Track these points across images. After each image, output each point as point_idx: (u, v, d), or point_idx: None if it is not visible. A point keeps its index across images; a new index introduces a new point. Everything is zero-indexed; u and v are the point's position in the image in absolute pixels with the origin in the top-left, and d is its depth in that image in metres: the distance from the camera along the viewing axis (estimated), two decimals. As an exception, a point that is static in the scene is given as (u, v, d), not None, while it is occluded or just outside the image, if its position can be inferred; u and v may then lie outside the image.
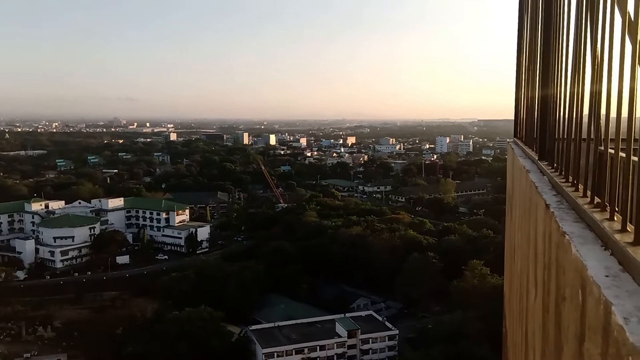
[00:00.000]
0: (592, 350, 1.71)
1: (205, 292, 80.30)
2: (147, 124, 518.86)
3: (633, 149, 2.15)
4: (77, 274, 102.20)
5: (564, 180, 3.69)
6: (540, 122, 5.48)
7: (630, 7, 2.40)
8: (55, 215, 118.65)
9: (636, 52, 2.60)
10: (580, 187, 3.18)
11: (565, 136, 3.80)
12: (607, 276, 1.74)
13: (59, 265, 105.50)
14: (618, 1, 2.75)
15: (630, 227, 2.07)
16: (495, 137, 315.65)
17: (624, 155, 2.27)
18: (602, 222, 2.27)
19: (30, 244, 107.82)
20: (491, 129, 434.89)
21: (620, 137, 2.34)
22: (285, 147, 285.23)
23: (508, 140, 11.68)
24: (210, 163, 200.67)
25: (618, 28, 2.64)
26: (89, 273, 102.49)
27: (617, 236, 2.01)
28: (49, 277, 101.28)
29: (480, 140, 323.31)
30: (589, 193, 2.91)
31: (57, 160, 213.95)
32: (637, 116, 2.22)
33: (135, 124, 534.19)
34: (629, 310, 1.49)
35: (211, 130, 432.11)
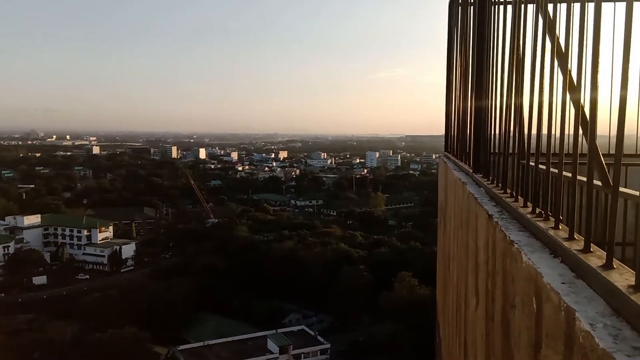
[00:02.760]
0: (551, 357, 1.74)
1: (130, 313, 76.94)
2: (68, 137, 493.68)
3: (578, 163, 2.25)
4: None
5: (501, 191, 3.82)
6: (474, 136, 5.67)
7: (554, 12, 2.53)
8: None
9: (566, 72, 2.74)
10: (520, 198, 3.29)
11: (503, 151, 3.94)
12: (563, 283, 1.78)
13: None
14: (549, 24, 2.89)
15: (577, 236, 2.15)
16: (422, 152, 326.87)
17: (569, 174, 2.37)
18: (548, 231, 2.35)
19: None
20: (418, 144, 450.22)
21: (563, 152, 2.44)
22: (215, 161, 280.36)
23: (438, 154, 12.09)
24: (136, 177, 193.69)
25: (549, 43, 2.77)
26: (3, 295, 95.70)
27: (566, 244, 2.08)
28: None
29: (408, 155, 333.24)
30: (529, 204, 3.01)
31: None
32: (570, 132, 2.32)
33: (55, 136, 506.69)
34: (592, 317, 1.52)
35: (137, 144, 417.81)
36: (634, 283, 1.59)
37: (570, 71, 2.60)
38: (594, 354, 1.39)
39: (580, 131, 2.30)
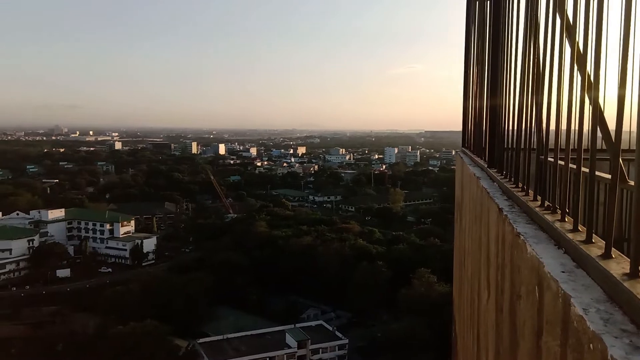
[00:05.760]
0: (550, 343, 1.82)
1: (151, 306, 78.02)
2: (91, 132, 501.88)
3: (583, 158, 2.31)
4: (14, 289, 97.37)
5: (513, 186, 3.87)
6: (489, 132, 5.71)
7: (569, 12, 2.57)
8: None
9: (574, 62, 2.78)
10: (531, 192, 3.35)
11: (515, 146, 3.99)
12: (563, 272, 1.86)
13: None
14: (559, 7, 2.92)
15: (581, 227, 2.22)
16: (441, 147, 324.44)
17: (574, 166, 2.43)
18: (554, 223, 2.42)
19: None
20: (437, 139, 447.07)
21: (570, 147, 2.50)
22: (234, 157, 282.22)
23: (456, 150, 12.08)
24: (157, 173, 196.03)
25: (562, 36, 2.81)
26: (28, 287, 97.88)
27: (570, 235, 2.15)
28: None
29: (427, 151, 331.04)
30: (539, 197, 3.07)
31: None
32: (585, 128, 2.37)
33: (78, 132, 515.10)
34: (587, 302, 1.61)
35: (158, 139, 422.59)
36: (628, 271, 1.67)
37: (578, 46, 2.62)
38: (586, 336, 1.48)
39: (590, 127, 2.35)
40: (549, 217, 2.55)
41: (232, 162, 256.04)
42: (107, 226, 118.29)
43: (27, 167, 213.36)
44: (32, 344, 75.78)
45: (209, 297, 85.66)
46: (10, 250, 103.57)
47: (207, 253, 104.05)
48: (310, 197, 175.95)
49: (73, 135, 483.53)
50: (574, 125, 2.39)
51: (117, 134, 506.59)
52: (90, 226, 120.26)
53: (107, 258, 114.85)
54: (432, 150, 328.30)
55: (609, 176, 2.86)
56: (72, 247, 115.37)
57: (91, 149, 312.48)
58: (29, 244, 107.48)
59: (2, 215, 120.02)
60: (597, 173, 2.26)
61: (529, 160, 3.46)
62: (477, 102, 7.31)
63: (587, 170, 2.29)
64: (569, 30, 2.73)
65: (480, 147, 6.62)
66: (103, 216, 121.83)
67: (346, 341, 76.30)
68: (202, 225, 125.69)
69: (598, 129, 2.24)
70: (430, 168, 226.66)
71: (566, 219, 2.45)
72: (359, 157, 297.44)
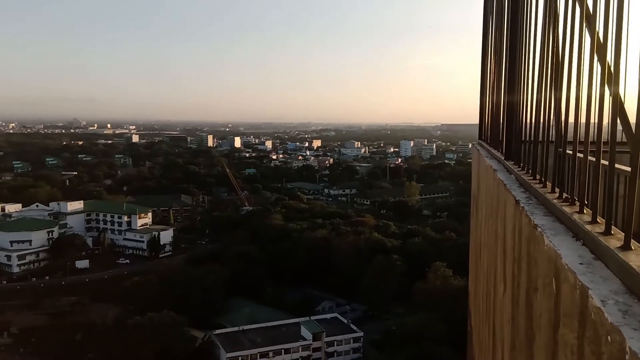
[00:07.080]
0: (567, 335, 1.80)
1: (168, 297, 78.89)
2: (108, 125, 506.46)
3: (602, 151, 2.28)
4: (34, 279, 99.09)
5: (531, 177, 3.83)
6: (506, 124, 5.65)
7: (589, 1, 2.53)
8: (12, 219, 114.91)
9: (594, 53, 2.73)
10: (548, 184, 3.31)
11: (533, 138, 3.94)
12: (581, 264, 1.84)
13: (15, 270, 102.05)
14: (579, 2, 2.88)
15: (600, 219, 2.19)
16: (458, 141, 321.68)
17: (593, 158, 2.39)
18: (572, 215, 2.39)
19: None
20: (454, 133, 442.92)
21: (589, 140, 2.46)
22: (250, 150, 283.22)
23: (472, 142, 11.96)
24: (174, 165, 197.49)
25: (578, 26, 2.76)
26: (47, 278, 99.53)
27: (589, 227, 2.12)
28: (5, 282, 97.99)
29: (443, 144, 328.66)
30: (557, 189, 3.03)
31: (13, 162, 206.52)
32: (605, 120, 2.33)
33: (96, 125, 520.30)
34: (605, 294, 1.58)
35: (175, 132, 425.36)
36: None
37: (599, 36, 2.57)
38: (604, 328, 1.46)
39: (610, 119, 2.32)
40: (567, 209, 2.52)
41: (247, 155, 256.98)
42: (125, 218, 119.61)
43: (47, 159, 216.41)
44: (51, 334, 77.16)
45: (225, 289, 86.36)
46: (30, 241, 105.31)
47: (223, 245, 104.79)
48: (326, 190, 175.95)
49: (91, 128, 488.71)
50: (594, 118, 2.35)
51: (134, 127, 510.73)
52: (108, 218, 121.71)
53: (125, 249, 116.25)
54: (449, 144, 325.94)
55: (628, 169, 2.82)
56: (91, 238, 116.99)
57: (109, 141, 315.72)
58: (48, 236, 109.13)
59: (22, 207, 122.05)
60: (616, 165, 2.22)
61: (547, 153, 3.42)
62: (494, 94, 7.24)
63: (606, 162, 2.26)
64: (589, 19, 2.67)
65: (497, 139, 6.56)
66: (121, 208, 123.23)
67: (361, 334, 76.44)
68: (218, 218, 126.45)
69: (618, 121, 2.21)
70: (446, 161, 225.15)
71: (585, 211, 2.42)
72: (375, 150, 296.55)
